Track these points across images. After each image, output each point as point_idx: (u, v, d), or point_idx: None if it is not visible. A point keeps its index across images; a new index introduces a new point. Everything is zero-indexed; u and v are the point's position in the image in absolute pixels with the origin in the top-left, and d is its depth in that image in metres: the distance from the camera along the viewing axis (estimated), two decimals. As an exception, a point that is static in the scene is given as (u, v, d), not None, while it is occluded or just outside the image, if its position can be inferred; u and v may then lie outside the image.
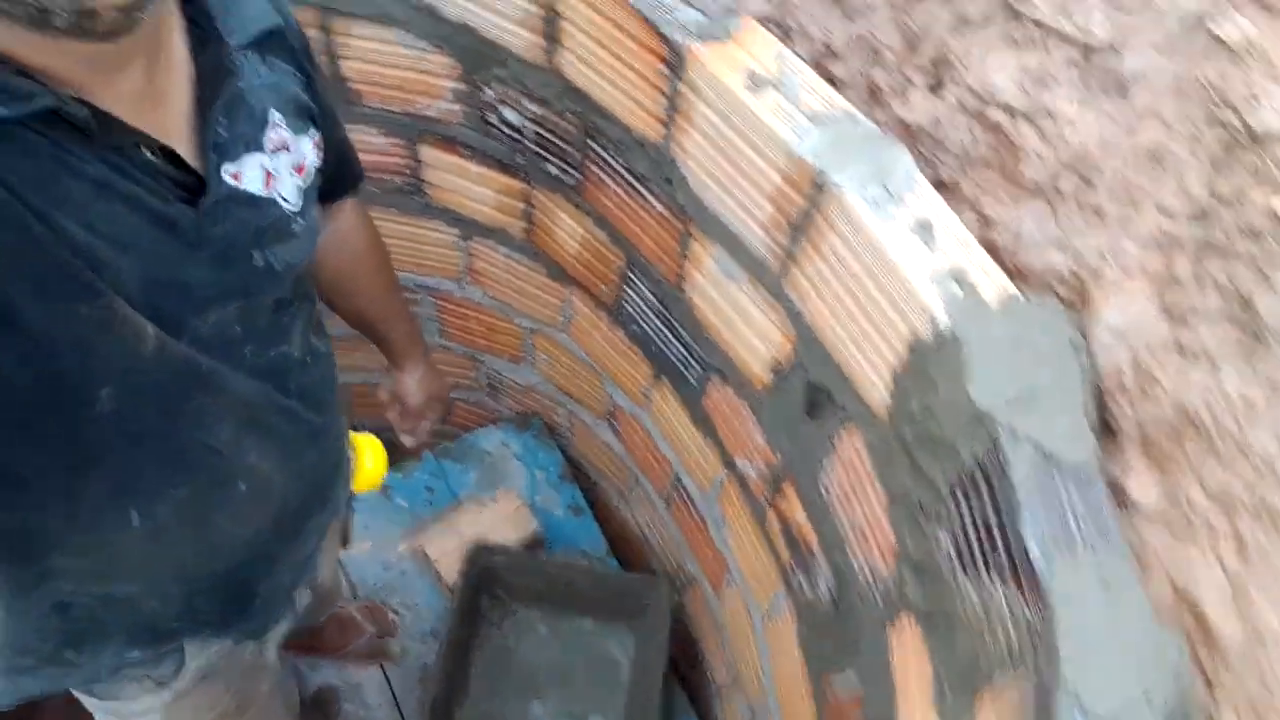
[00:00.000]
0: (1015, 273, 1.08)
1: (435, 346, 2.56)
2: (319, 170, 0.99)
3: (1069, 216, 1.05)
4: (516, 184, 1.81)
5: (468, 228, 2.03)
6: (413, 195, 1.98)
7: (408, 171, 1.90)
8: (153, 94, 0.75)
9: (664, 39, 1.20)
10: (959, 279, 1.01)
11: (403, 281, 2.23)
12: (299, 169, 0.94)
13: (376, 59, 1.63)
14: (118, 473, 0.83)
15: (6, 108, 0.62)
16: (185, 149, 0.78)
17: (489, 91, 1.60)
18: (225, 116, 0.82)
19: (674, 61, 1.21)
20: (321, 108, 1.01)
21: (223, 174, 0.83)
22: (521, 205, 1.86)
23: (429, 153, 1.83)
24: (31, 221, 0.65)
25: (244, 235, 0.86)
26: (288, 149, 0.91)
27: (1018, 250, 1.09)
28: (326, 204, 1.18)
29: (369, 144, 1.83)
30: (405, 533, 2.43)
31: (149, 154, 0.74)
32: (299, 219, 0.94)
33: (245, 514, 1.03)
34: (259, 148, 0.87)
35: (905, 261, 1.01)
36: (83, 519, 0.84)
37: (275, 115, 0.89)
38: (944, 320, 0.97)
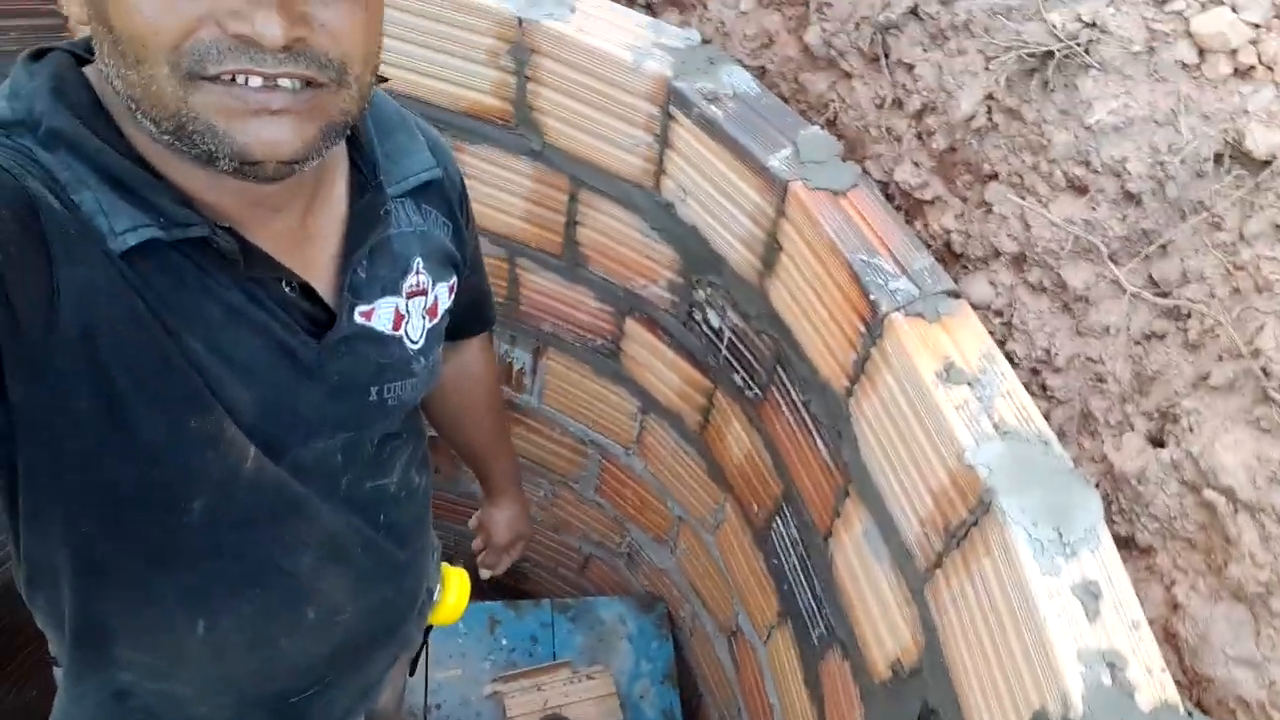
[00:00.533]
0: (1189, 679, 0.91)
1: (589, 501, 2.55)
2: (449, 312, 1.01)
3: (1273, 638, 0.87)
4: (703, 380, 1.79)
5: (648, 403, 2.03)
6: (608, 359, 2.01)
7: (609, 337, 1.95)
8: (304, 234, 0.79)
9: (869, 300, 1.16)
10: (1113, 666, 0.85)
11: (574, 434, 2.27)
12: (431, 311, 0.96)
13: (610, 234, 1.70)
14: (193, 579, 0.84)
15: (165, 231, 0.67)
16: (323, 287, 0.81)
17: (699, 292, 1.62)
18: (368, 260, 0.85)
19: (873, 325, 1.16)
20: (465, 255, 1.03)
21: (354, 313, 0.85)
22: (702, 400, 1.84)
23: (633, 327, 1.87)
24: (162, 337, 0.68)
25: (364, 371, 0.88)
26: (424, 294, 0.94)
27: (1201, 654, 0.91)
28: (453, 340, 1.21)
29: (583, 304, 1.90)
30: (495, 675, 2.37)
31: (287, 288, 0.77)
32: (421, 358, 0.95)
33: (309, 639, 1.02)
34: (396, 292, 0.89)
35: (1055, 624, 0.87)
36: (152, 617, 0.86)
37: (418, 262, 0.92)
38: (1078, 708, 0.82)
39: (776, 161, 1.30)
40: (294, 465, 0.84)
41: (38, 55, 0.68)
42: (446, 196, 0.97)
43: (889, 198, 1.32)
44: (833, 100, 1.40)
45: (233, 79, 0.60)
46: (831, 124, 1.41)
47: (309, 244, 0.80)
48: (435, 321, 0.97)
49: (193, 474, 0.75)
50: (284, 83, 0.61)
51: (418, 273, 0.91)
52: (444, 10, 1.49)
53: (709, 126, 1.36)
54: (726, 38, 1.52)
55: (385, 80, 0.80)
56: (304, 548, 0.91)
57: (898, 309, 1.14)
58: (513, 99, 1.58)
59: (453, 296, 1.01)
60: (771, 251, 1.38)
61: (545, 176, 1.67)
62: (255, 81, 0.60)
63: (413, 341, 0.92)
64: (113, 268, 0.64)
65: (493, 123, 1.63)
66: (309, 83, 0.63)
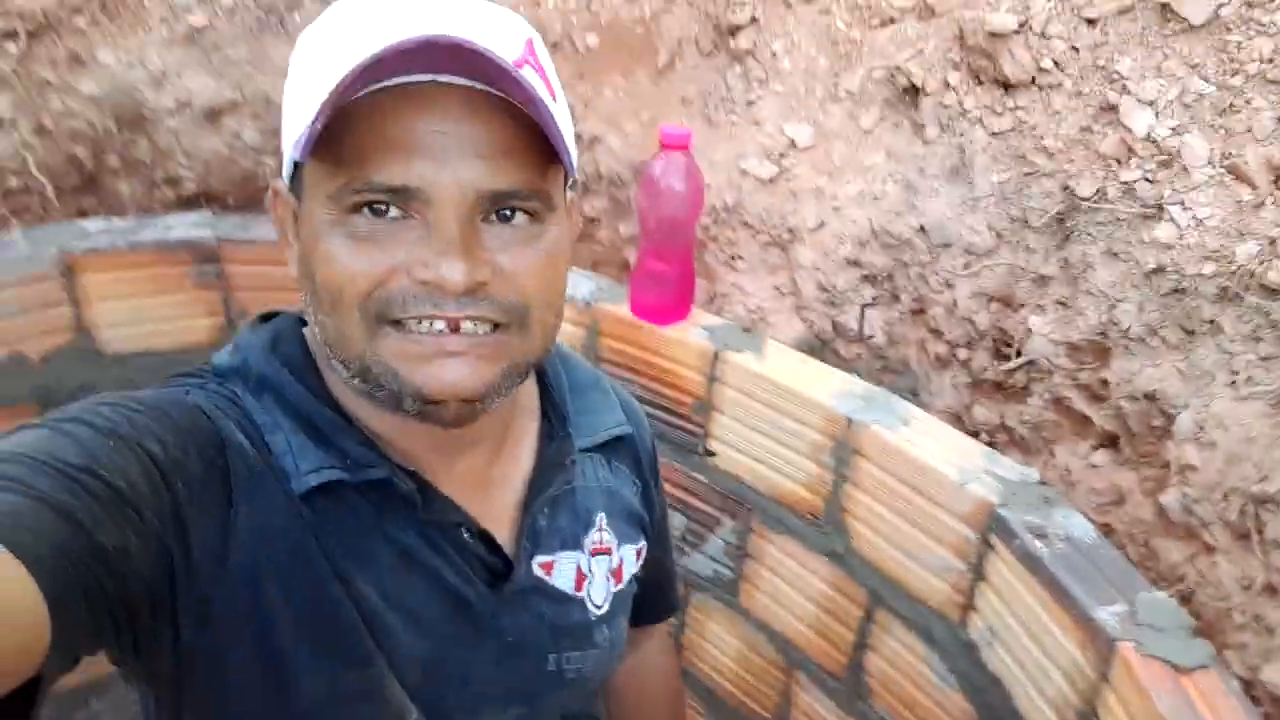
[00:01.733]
0: None
1: None
2: (635, 579, 0.91)
3: None
4: None
5: None
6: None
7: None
8: (487, 479, 0.78)
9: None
10: None
11: None
12: (616, 575, 0.87)
13: (901, 667, 1.52)
14: None
15: (348, 473, 0.68)
16: (502, 534, 0.78)
17: None
18: (549, 509, 0.81)
19: None
20: (654, 523, 0.95)
21: (533, 564, 0.79)
22: None
23: None
24: (330, 579, 0.67)
25: (542, 633, 0.80)
26: (608, 553, 0.86)
27: None
28: (632, 626, 1.07)
29: None
30: None
31: (465, 534, 0.75)
32: (604, 627, 0.85)
33: None
34: (578, 547, 0.84)
35: None
36: None
37: (601, 518, 0.86)
38: None
39: (1106, 615, 1.11)
40: None
41: (266, 317, 0.78)
42: (636, 455, 0.94)
43: (1253, 699, 1.04)
44: (1189, 574, 1.20)
45: (418, 322, 0.64)
46: (1186, 600, 1.19)
47: (491, 490, 0.79)
48: (620, 586, 0.90)
49: None
50: (466, 325, 0.64)
51: (601, 529, 0.86)
52: (781, 400, 1.56)
53: (1031, 562, 1.22)
54: (1071, 488, 1.41)
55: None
56: None
57: None
58: (826, 495, 1.56)
59: (640, 562, 0.94)
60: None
61: (843, 584, 1.58)
62: (439, 325, 0.63)
63: (596, 606, 0.85)
64: (291, 508, 0.66)
65: (801, 516, 1.61)
66: (492, 325, 0.65)
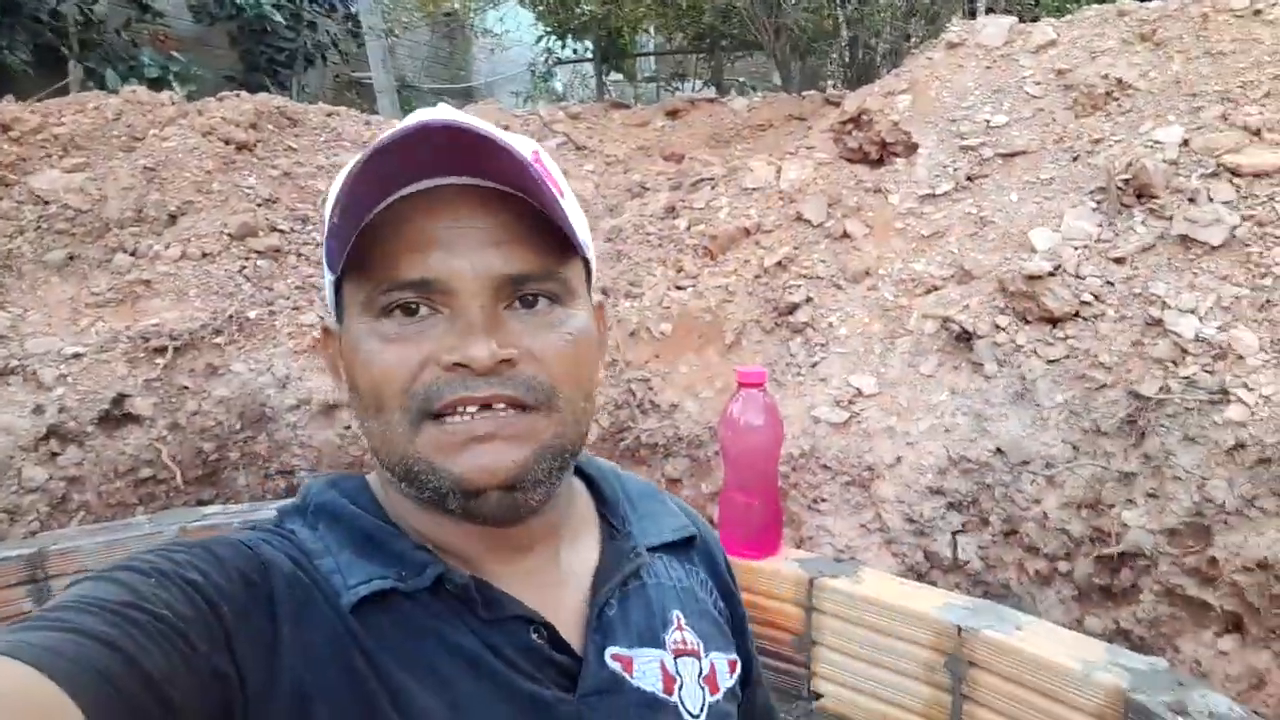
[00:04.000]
0: None
1: None
2: (734, 695, 0.82)
3: None
4: None
5: None
6: None
7: None
8: (550, 581, 0.75)
9: None
10: None
11: None
12: (710, 683, 0.79)
13: None
14: None
15: (401, 581, 0.67)
16: (571, 633, 0.73)
17: None
18: (618, 601, 0.76)
19: None
20: (744, 634, 0.87)
21: (606, 656, 0.73)
22: None
23: None
24: (382, 698, 0.64)
25: None
26: (695, 655, 0.79)
27: None
28: None
29: None
30: None
31: (534, 635, 0.71)
32: None
33: None
34: (658, 644, 0.76)
35: None
36: None
37: (678, 616, 0.79)
38: None
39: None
40: None
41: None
42: (709, 555, 0.88)
43: None
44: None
45: (452, 412, 0.65)
46: (1367, 778, 1.08)
47: (556, 590, 0.76)
48: (717, 698, 0.81)
49: None
50: (496, 406, 0.65)
51: (681, 628, 0.80)
52: (886, 620, 1.53)
53: (1179, 744, 1.13)
54: (1203, 679, 1.32)
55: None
56: None
57: None
58: (946, 720, 1.47)
59: (735, 676, 0.85)
60: None
61: (978, 823, 1.43)
62: (470, 409, 0.65)
63: (691, 715, 0.78)
64: (339, 625, 0.65)
65: (923, 748, 1.50)
66: (520, 407, 0.66)
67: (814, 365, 2.18)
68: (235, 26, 7.63)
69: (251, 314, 2.44)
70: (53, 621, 0.53)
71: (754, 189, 2.86)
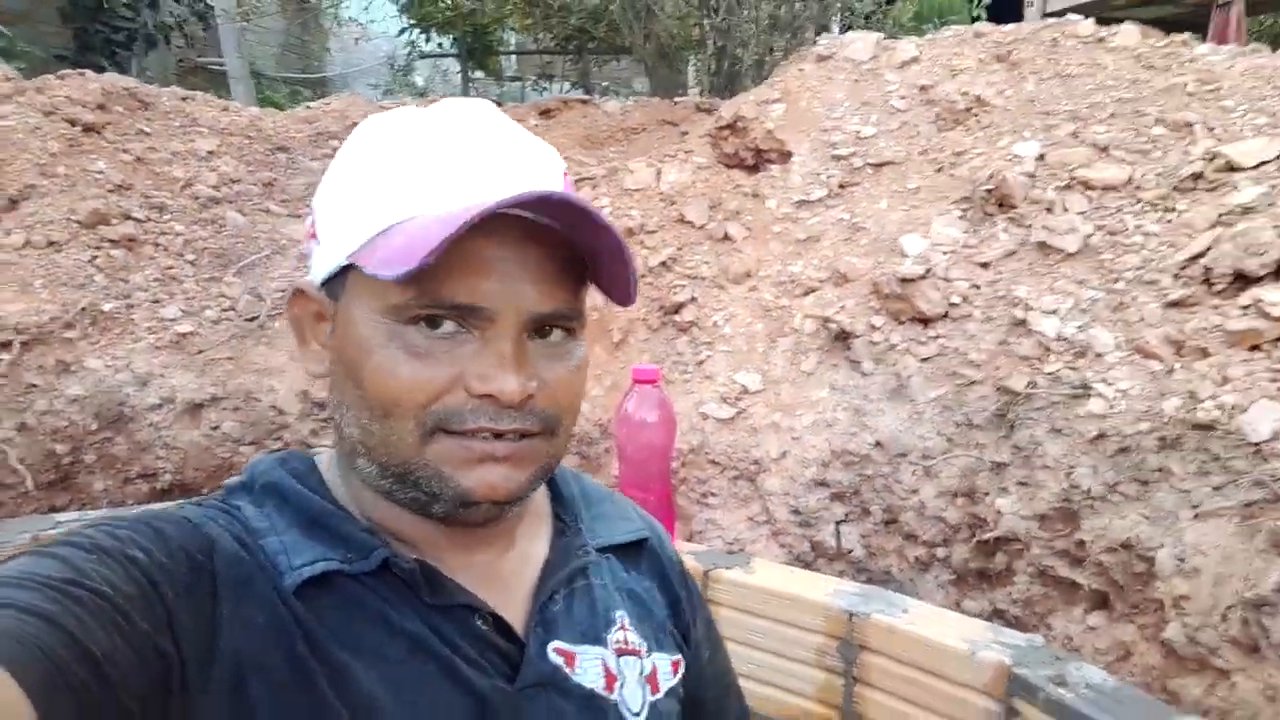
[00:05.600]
0: None
1: None
2: (679, 700, 0.85)
3: None
4: None
5: None
6: None
7: None
8: (498, 573, 0.76)
9: None
10: None
11: None
12: (651, 681, 0.81)
13: None
14: None
15: (346, 564, 0.67)
16: (516, 622, 0.74)
17: None
18: (564, 598, 0.78)
19: None
20: (690, 639, 0.89)
21: (548, 650, 0.75)
22: None
23: None
24: (320, 683, 0.64)
25: None
26: (637, 655, 0.81)
27: None
28: None
29: None
30: None
31: (479, 623, 0.72)
32: None
33: None
34: (600, 642, 0.78)
35: None
36: None
37: (622, 616, 0.81)
38: None
39: (1147, 742, 1.10)
40: None
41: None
42: (658, 562, 0.90)
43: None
44: (1213, 703, 1.21)
45: (471, 434, 0.66)
46: (1217, 732, 1.20)
47: (503, 582, 0.77)
48: (658, 697, 0.83)
49: None
50: (508, 435, 0.67)
51: (624, 629, 0.81)
52: (779, 609, 1.58)
53: (1061, 711, 1.21)
54: (1075, 654, 1.43)
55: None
56: None
57: None
58: (838, 704, 1.52)
59: (678, 677, 0.87)
60: None
61: (868, 800, 1.49)
62: (486, 435, 0.66)
63: (632, 712, 0.79)
64: (281, 605, 0.65)
65: (815, 732, 1.56)
66: (526, 434, 0.68)
67: (700, 363, 2.22)
68: (67, 1, 7.06)
69: (106, 307, 2.27)
70: None
71: (635, 190, 2.89)
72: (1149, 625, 1.35)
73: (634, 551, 0.89)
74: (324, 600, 0.66)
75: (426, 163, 0.68)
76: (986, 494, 1.65)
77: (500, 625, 0.73)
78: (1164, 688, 1.30)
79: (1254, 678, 1.16)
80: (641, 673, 0.81)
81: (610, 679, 0.78)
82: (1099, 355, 1.60)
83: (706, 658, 0.94)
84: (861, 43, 3.06)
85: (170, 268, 2.52)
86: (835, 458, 1.89)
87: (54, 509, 2.01)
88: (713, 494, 1.99)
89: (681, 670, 0.86)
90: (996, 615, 1.59)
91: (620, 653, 0.80)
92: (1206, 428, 1.34)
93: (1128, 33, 2.50)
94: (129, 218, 2.58)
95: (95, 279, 2.34)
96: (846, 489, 1.86)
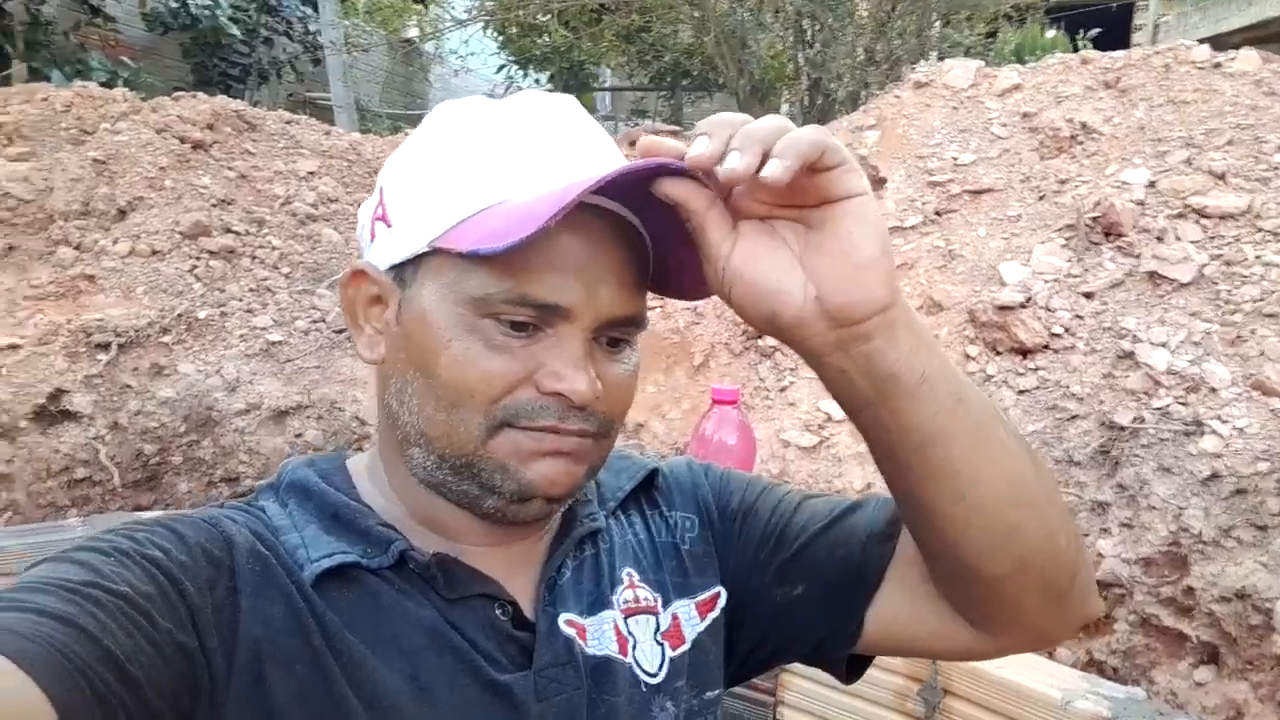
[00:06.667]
0: None
1: None
2: (711, 636, 0.79)
3: None
4: None
5: None
6: None
7: None
8: (520, 556, 0.75)
9: None
10: None
11: None
12: (670, 636, 0.76)
13: None
14: None
15: (365, 558, 0.67)
16: (530, 607, 0.73)
17: None
18: (571, 569, 0.76)
19: None
20: (750, 491, 0.83)
21: (559, 624, 0.73)
22: None
23: None
24: (336, 673, 0.64)
25: (591, 713, 0.71)
26: (650, 613, 0.77)
27: None
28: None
29: None
30: None
31: (498, 612, 0.71)
32: (664, 699, 0.73)
33: None
34: (609, 606, 0.76)
35: None
36: None
37: (629, 575, 0.78)
38: None
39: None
40: None
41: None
42: (675, 483, 0.85)
43: None
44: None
45: (533, 429, 0.65)
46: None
47: (516, 563, 0.75)
48: (681, 651, 0.77)
49: None
50: (569, 433, 0.66)
51: (633, 586, 0.78)
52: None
53: (1163, 772, 1.11)
54: (1180, 710, 1.31)
55: None
56: None
57: None
58: (919, 750, 1.43)
59: (716, 613, 0.81)
60: None
61: None
62: (553, 432, 0.66)
63: (647, 674, 0.74)
64: (299, 598, 0.65)
65: (894, 781, 1.47)
66: (584, 434, 0.67)
67: (782, 389, 2.17)
68: (189, 38, 7.48)
69: (201, 314, 2.34)
70: (10, 602, 0.51)
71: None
72: (1264, 684, 1.23)
73: (646, 492, 0.85)
74: (341, 593, 0.66)
75: (517, 148, 0.67)
76: (1087, 534, 1.54)
77: (518, 613, 0.72)
78: (1286, 754, 1.18)
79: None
80: (657, 630, 0.77)
81: (623, 642, 0.76)
82: (1213, 390, 1.49)
83: (761, 501, 0.83)
84: (961, 70, 2.98)
85: (265, 279, 2.59)
86: (922, 491, 1.80)
87: (139, 507, 2.06)
88: (791, 524, 1.92)
89: (722, 601, 0.80)
90: (1093, 665, 1.48)
91: (629, 613, 0.78)
92: (1337, 469, 1.22)
93: (1246, 58, 2.37)
94: (229, 230, 2.67)
95: (193, 287, 2.42)
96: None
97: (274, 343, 2.31)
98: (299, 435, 2.22)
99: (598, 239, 0.65)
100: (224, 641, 0.60)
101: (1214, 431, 1.42)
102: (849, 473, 1.89)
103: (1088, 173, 2.26)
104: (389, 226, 0.70)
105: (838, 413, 2.02)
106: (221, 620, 0.60)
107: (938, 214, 2.49)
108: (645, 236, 0.67)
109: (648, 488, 0.85)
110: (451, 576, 0.70)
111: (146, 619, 0.54)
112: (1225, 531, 1.32)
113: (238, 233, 2.69)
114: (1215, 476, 1.37)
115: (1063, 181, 2.30)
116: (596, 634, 0.75)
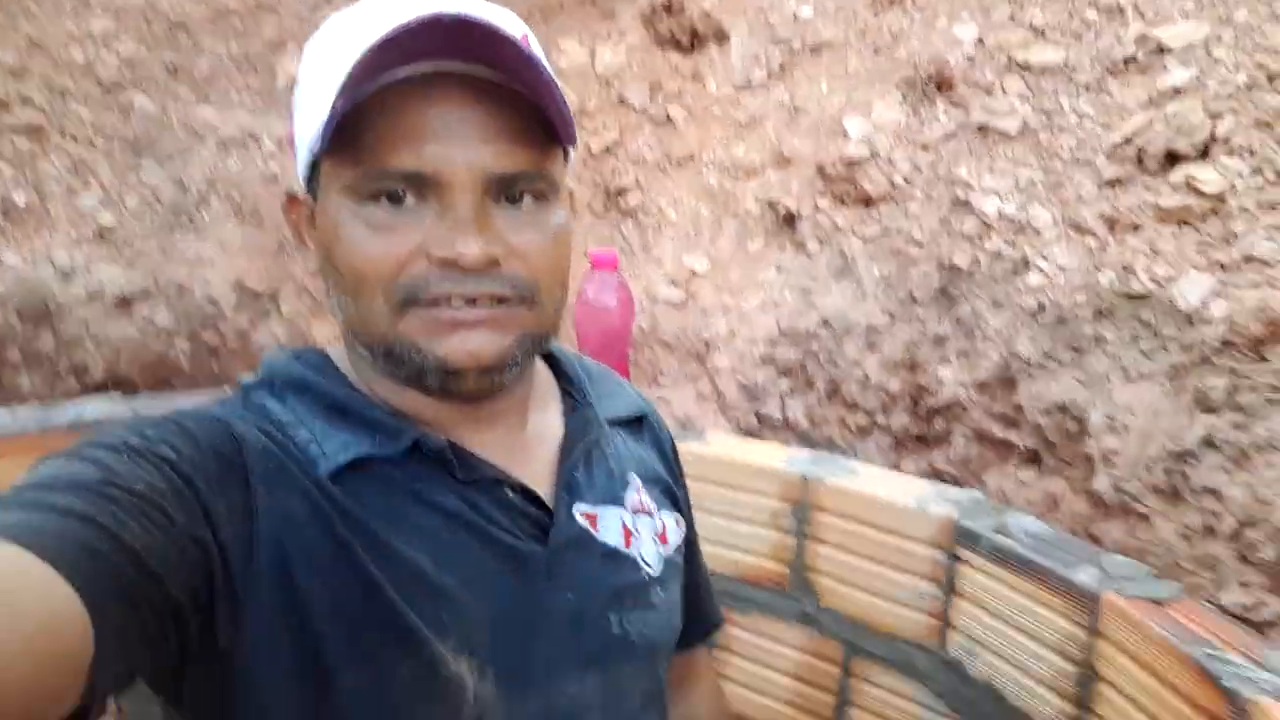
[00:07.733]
0: None
1: None
2: (682, 556, 0.92)
3: None
4: None
5: None
6: None
7: None
8: (519, 445, 0.80)
9: (1223, 691, 0.97)
10: None
11: None
12: (661, 537, 0.89)
13: (888, 714, 1.54)
14: None
15: (379, 448, 0.69)
16: (542, 490, 0.78)
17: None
18: (583, 466, 0.83)
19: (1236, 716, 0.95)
20: (686, 509, 0.97)
21: (575, 512, 0.80)
22: None
23: None
24: (364, 560, 0.66)
25: (600, 590, 0.78)
26: (650, 514, 0.87)
27: None
28: (678, 650, 1.01)
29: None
30: None
31: (509, 491, 0.75)
32: (659, 589, 0.85)
33: None
34: (618, 503, 0.84)
35: None
36: None
37: (636, 480, 0.87)
38: None
39: (1084, 577, 1.22)
40: (546, 715, 0.74)
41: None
42: (657, 437, 0.97)
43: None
44: (1132, 544, 1.34)
45: (438, 304, 0.66)
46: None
47: (525, 453, 0.80)
48: (668, 551, 0.89)
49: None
50: (481, 302, 0.67)
51: (639, 491, 0.87)
52: (735, 477, 1.66)
53: (1002, 557, 1.33)
54: (1009, 505, 1.55)
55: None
56: None
57: (1263, 693, 0.94)
58: (790, 561, 1.62)
59: (682, 533, 0.92)
60: (1086, 686, 1.20)
61: (816, 645, 1.61)
62: (457, 303, 0.67)
63: (648, 565, 0.84)
64: (318, 495, 0.66)
65: (766, 588, 1.66)
66: (502, 300, 0.68)
67: (647, 248, 2.24)
68: None
69: (19, 199, 2.14)
70: (28, 501, 0.52)
71: (570, 71, 2.83)
72: (1077, 478, 1.47)
73: (636, 426, 0.95)
74: (359, 484, 0.68)
75: (365, 36, 0.64)
76: (928, 364, 1.74)
77: (528, 494, 0.76)
78: (1088, 532, 1.43)
79: (1172, 520, 1.29)
80: (655, 530, 0.87)
81: (628, 535, 0.84)
82: (1038, 232, 1.68)
83: (693, 533, 1.00)
84: (797, -80, 2.99)
85: (82, 157, 2.38)
86: (783, 336, 1.95)
87: (-18, 407, 1.94)
88: (663, 374, 2.04)
89: (683, 528, 0.94)
90: (934, 474, 1.70)
91: (636, 511, 0.86)
92: (1139, 298, 1.43)
93: (1060, -87, 2.52)
94: (30, 104, 2.41)
95: (3, 170, 2.20)
96: (793, 364, 1.94)
97: (106, 227, 2.15)
98: (149, 321, 2.12)
99: (466, 98, 0.65)
100: (240, 537, 0.62)
101: (1039, 269, 1.62)
102: (714, 323, 2.02)
103: (919, 27, 2.38)
104: (293, 146, 0.73)
105: (700, 267, 2.13)
106: (235, 514, 0.62)
107: (782, 69, 2.56)
108: (527, 91, 0.66)
109: (637, 421, 0.94)
110: (465, 461, 0.73)
111: (162, 514, 0.56)
112: (1048, 355, 1.53)
113: (40, 108, 2.43)
114: (1040, 308, 1.57)
115: (895, 35, 2.41)
116: (606, 525, 0.82)
